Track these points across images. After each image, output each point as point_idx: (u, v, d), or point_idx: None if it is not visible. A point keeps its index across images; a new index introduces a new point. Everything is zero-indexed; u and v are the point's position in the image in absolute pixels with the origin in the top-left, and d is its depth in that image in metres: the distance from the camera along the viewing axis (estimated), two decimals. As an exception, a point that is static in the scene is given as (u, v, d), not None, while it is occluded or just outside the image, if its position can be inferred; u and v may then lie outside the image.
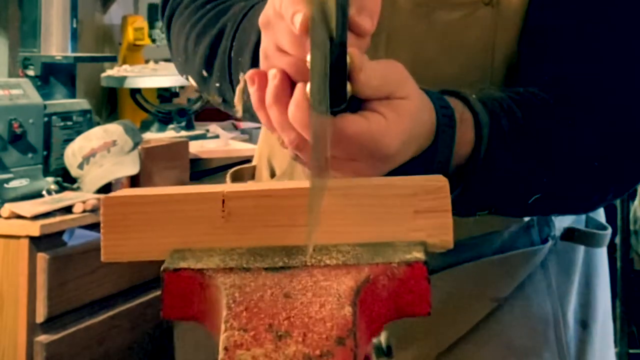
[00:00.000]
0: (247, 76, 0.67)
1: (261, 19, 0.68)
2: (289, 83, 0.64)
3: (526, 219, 0.97)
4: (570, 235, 1.00)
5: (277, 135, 0.68)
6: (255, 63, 0.76)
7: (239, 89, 0.76)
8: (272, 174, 1.06)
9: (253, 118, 0.77)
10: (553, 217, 0.99)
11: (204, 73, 0.85)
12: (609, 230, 1.03)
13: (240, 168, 1.11)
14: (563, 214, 0.98)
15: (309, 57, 0.59)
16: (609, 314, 1.09)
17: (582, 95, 0.85)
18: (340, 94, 0.61)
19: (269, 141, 1.07)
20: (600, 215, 1.08)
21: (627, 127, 0.86)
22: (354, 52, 0.62)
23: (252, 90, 0.66)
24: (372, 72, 0.64)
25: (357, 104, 0.65)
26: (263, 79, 0.65)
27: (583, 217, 1.04)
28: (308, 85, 0.61)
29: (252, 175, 1.10)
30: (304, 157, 0.68)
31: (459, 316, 0.96)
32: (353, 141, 0.64)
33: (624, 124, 0.86)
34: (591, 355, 1.01)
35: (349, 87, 0.63)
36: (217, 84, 0.84)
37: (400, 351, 0.96)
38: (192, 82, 0.89)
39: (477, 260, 0.96)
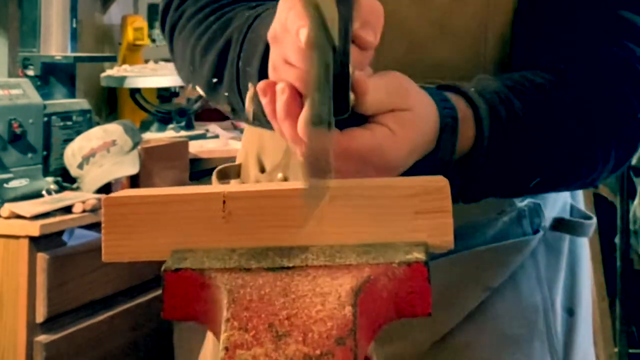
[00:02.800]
0: (258, 88, 0.68)
1: (269, 33, 0.70)
2: (297, 97, 0.66)
3: (519, 206, 0.98)
4: (557, 225, 1.02)
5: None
6: (263, 73, 0.77)
7: (248, 96, 0.78)
8: (262, 170, 1.06)
9: (262, 125, 0.79)
10: (543, 208, 1.00)
11: (213, 83, 0.86)
12: (594, 220, 1.05)
13: (226, 166, 1.11)
14: (568, 190, 1.00)
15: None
16: (590, 301, 1.10)
17: (576, 76, 0.86)
18: (343, 103, 0.63)
19: (257, 138, 1.07)
20: (581, 203, 1.10)
21: (622, 104, 0.87)
22: (359, 76, 0.65)
23: (265, 102, 0.68)
24: (376, 91, 0.66)
25: (362, 115, 0.67)
26: (274, 91, 0.67)
27: (568, 207, 1.06)
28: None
29: (237, 173, 1.10)
30: None
31: (452, 306, 0.96)
32: (360, 155, 0.66)
33: (618, 100, 0.87)
34: (577, 341, 1.03)
35: (352, 96, 0.65)
36: (226, 93, 0.85)
37: (395, 341, 0.96)
38: (200, 91, 0.91)
39: (469, 249, 0.96)
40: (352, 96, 0.65)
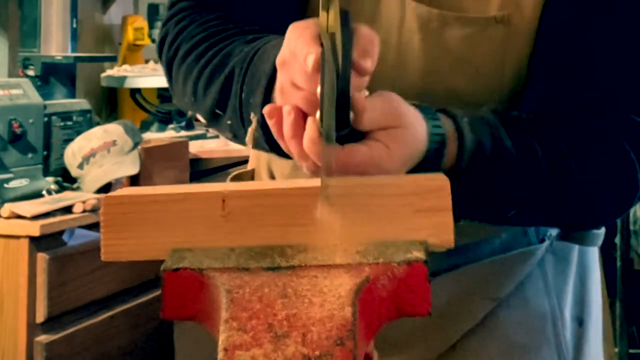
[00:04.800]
0: (265, 111, 0.76)
1: (278, 59, 0.76)
2: (303, 117, 0.72)
3: None
4: (565, 234, 1.02)
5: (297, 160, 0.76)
6: (266, 103, 0.82)
7: (250, 129, 0.85)
8: (272, 178, 1.07)
9: (263, 150, 0.87)
10: None
11: (216, 114, 0.92)
12: (603, 230, 1.05)
13: (240, 172, 1.13)
14: (545, 226, 1.01)
15: (319, 90, 0.69)
16: (600, 311, 1.11)
17: (581, 126, 0.89)
18: (345, 119, 0.71)
19: None
20: None
21: (622, 161, 0.88)
22: (357, 97, 0.72)
23: (271, 123, 0.75)
24: (373, 110, 0.73)
25: (359, 132, 0.74)
26: (280, 114, 0.74)
27: None
28: (318, 113, 0.69)
29: (251, 178, 1.12)
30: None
31: (460, 316, 0.98)
32: (359, 168, 0.72)
33: (618, 156, 0.88)
34: (587, 351, 1.04)
35: (352, 115, 0.72)
36: (229, 122, 0.90)
37: (403, 351, 0.97)
38: (201, 118, 0.97)
39: (477, 261, 0.98)
40: (351, 115, 0.72)
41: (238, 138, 0.91)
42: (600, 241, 1.06)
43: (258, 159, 1.11)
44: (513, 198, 0.86)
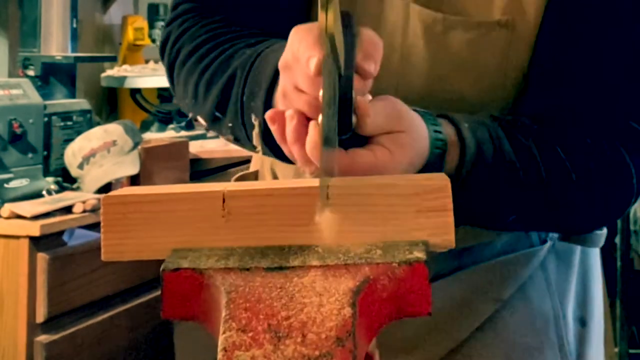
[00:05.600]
0: (267, 116, 0.75)
1: (281, 62, 0.76)
2: (305, 122, 0.72)
3: None
4: (566, 236, 1.03)
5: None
6: (267, 107, 0.83)
7: (255, 133, 0.85)
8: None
9: (269, 155, 0.86)
10: None
11: (216, 117, 0.92)
12: (604, 231, 1.06)
13: (244, 174, 1.13)
14: (542, 231, 1.02)
15: (321, 93, 0.67)
16: (602, 312, 1.12)
17: (579, 129, 0.89)
18: (347, 122, 0.71)
19: None
20: None
21: (618, 165, 0.89)
22: (361, 101, 0.72)
23: (274, 128, 0.75)
24: (377, 115, 0.74)
25: (361, 135, 0.74)
26: (282, 118, 0.74)
27: None
28: (320, 117, 0.68)
29: (255, 179, 1.13)
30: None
31: (463, 318, 0.99)
32: (363, 172, 0.72)
33: (615, 160, 0.89)
34: (590, 352, 1.04)
35: (354, 118, 0.71)
36: (230, 124, 0.90)
37: (407, 353, 0.97)
38: (202, 122, 0.96)
39: (480, 263, 0.99)
40: (354, 118, 0.71)
41: (239, 141, 0.91)
42: (602, 242, 1.06)
43: (262, 160, 1.11)
44: (513, 203, 0.87)
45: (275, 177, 1.08)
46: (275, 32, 0.90)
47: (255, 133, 0.85)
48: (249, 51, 0.90)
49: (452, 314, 0.97)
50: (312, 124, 0.71)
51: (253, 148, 0.88)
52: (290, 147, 0.74)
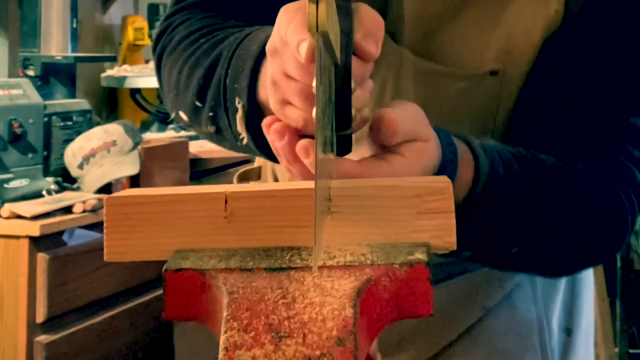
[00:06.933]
0: (264, 124, 0.68)
1: (268, 46, 0.69)
2: (298, 138, 0.65)
3: None
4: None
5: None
6: (252, 89, 0.76)
7: (239, 117, 0.77)
8: (275, 176, 1.07)
9: (253, 153, 0.80)
10: None
11: (197, 104, 0.84)
12: None
13: (247, 169, 1.12)
14: (537, 274, 0.99)
15: (314, 83, 0.58)
16: (591, 321, 1.12)
17: (572, 164, 0.88)
18: (345, 118, 0.63)
19: None
20: None
21: (611, 201, 0.88)
22: (389, 117, 0.65)
23: (271, 139, 0.68)
24: (404, 123, 0.67)
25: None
26: (283, 131, 0.66)
27: None
28: (314, 111, 0.60)
29: (258, 175, 1.12)
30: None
31: (448, 324, 0.99)
32: None
33: (608, 195, 0.88)
34: None
35: (354, 112, 0.64)
36: (211, 113, 0.83)
37: (391, 355, 0.98)
38: (183, 116, 0.88)
39: (468, 272, 0.99)
40: (353, 111, 0.64)
41: (221, 133, 0.83)
42: None
43: (265, 160, 1.10)
44: (520, 229, 0.84)
45: (275, 178, 1.07)
46: None
47: (239, 117, 0.77)
48: (237, 34, 0.84)
49: (436, 320, 0.97)
50: (308, 145, 0.64)
51: (235, 139, 0.81)
52: (290, 166, 0.68)
